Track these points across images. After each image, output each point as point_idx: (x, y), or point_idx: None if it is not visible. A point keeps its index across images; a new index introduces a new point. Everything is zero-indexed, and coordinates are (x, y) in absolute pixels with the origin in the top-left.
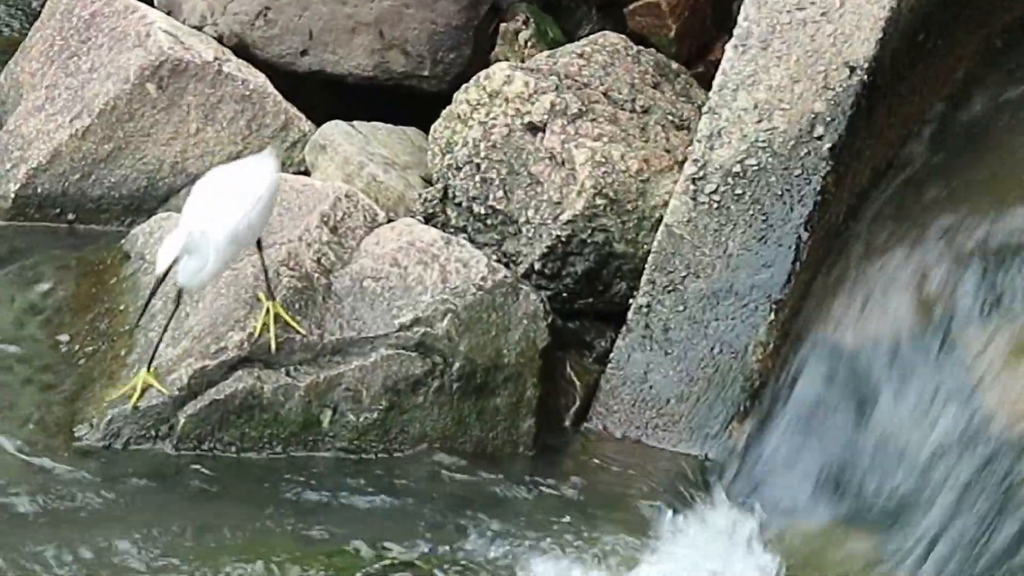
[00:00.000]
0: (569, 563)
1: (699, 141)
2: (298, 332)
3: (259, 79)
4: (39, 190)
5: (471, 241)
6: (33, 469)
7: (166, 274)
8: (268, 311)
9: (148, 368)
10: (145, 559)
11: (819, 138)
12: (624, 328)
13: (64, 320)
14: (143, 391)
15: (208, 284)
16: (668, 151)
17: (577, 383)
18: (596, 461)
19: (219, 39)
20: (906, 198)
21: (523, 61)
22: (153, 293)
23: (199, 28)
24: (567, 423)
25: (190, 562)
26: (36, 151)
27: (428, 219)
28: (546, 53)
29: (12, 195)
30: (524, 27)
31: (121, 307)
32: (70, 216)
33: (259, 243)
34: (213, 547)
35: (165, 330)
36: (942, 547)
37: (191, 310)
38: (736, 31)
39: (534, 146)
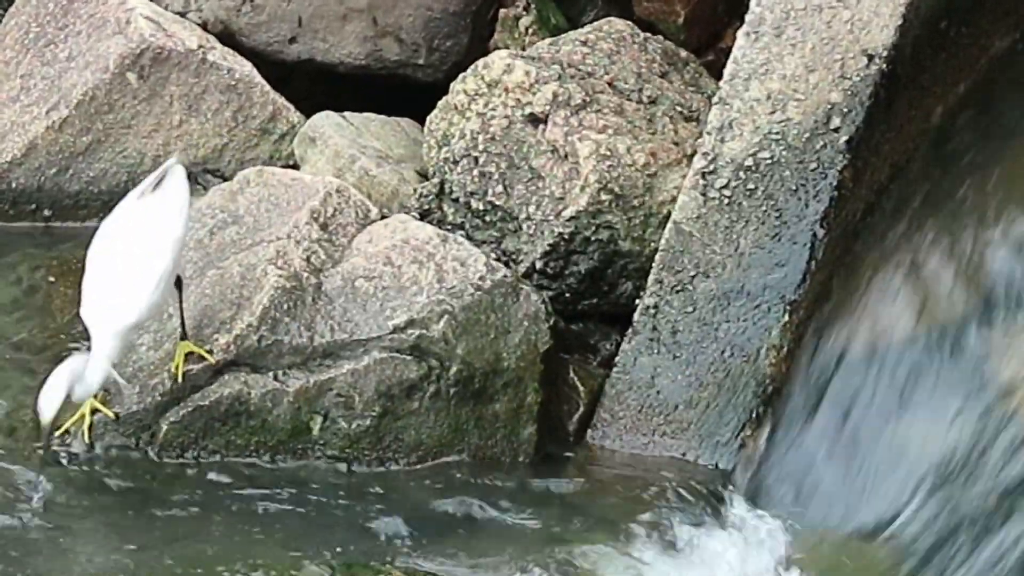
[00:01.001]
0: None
1: (709, 133)
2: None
3: (245, 68)
4: (13, 185)
5: (469, 239)
6: (8, 476)
7: (54, 423)
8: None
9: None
10: (121, 570)
11: (836, 130)
12: (630, 330)
13: (40, 322)
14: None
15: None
16: (676, 144)
17: (581, 388)
18: (600, 470)
19: (203, 26)
20: (927, 194)
21: (524, 49)
22: (47, 441)
23: (182, 14)
24: (570, 430)
25: (163, 572)
26: (10, 144)
27: (423, 215)
28: (548, 40)
29: None
30: (525, 13)
31: None
32: (46, 212)
33: (178, 280)
34: (195, 559)
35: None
36: (963, 555)
37: (172, 311)
38: (748, 17)
39: (535, 139)
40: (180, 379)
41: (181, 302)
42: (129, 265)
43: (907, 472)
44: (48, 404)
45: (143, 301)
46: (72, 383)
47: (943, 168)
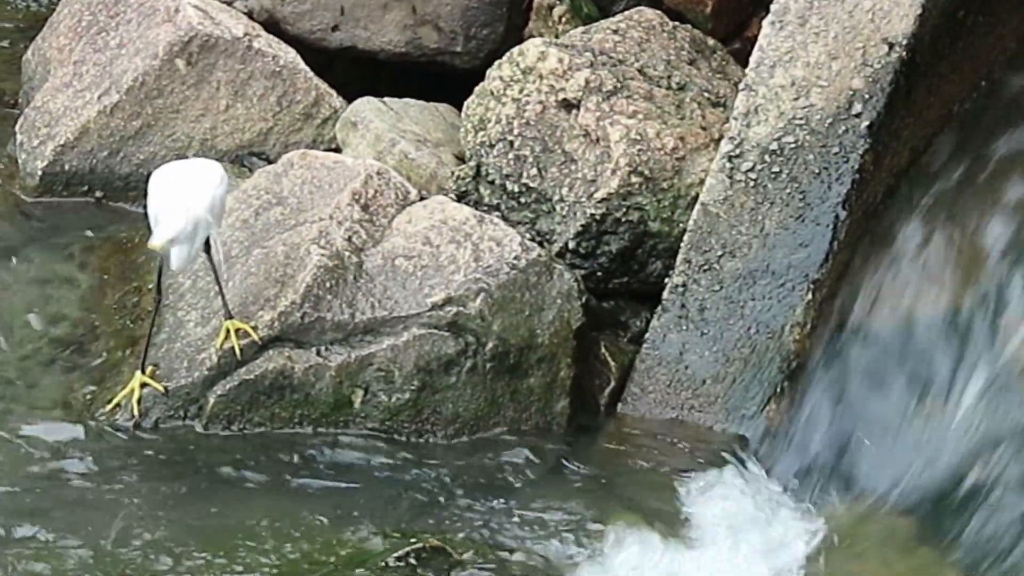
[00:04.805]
0: (603, 546)
1: (735, 119)
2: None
3: (290, 55)
4: (67, 167)
5: (504, 219)
6: (60, 449)
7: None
8: (227, 329)
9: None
10: (171, 539)
11: (857, 116)
12: (659, 308)
13: (91, 299)
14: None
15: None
16: (704, 128)
17: (611, 363)
18: (631, 442)
19: (249, 14)
20: (947, 178)
21: (557, 37)
22: (161, 272)
23: (229, 3)
24: (602, 404)
25: (217, 543)
26: (64, 128)
27: (461, 197)
28: (581, 29)
29: (39, 172)
30: (558, 2)
31: (149, 285)
32: (98, 193)
33: (210, 249)
34: (241, 528)
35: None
36: (986, 530)
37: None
38: (773, 7)
39: (568, 123)
40: (239, 354)
41: (219, 280)
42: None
43: (930, 446)
44: (158, 234)
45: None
46: (181, 238)
47: (962, 152)
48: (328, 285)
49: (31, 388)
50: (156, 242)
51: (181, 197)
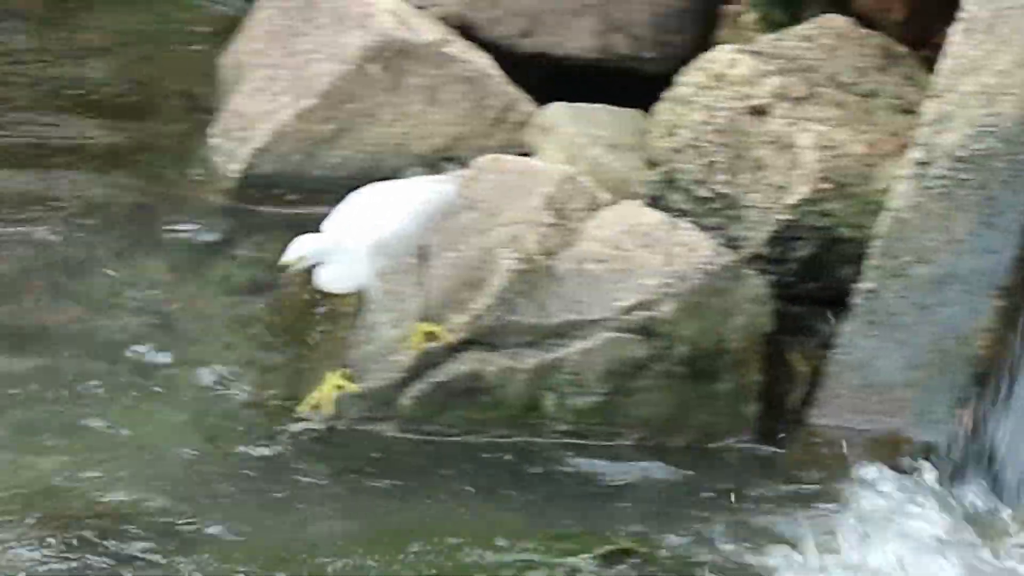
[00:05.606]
0: (794, 552)
1: (925, 126)
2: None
3: (482, 60)
4: (262, 170)
5: (695, 225)
6: (257, 450)
7: (286, 269)
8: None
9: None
10: (362, 540)
11: None
12: (849, 313)
13: (285, 301)
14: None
15: (355, 289)
16: (893, 135)
17: (801, 369)
18: (821, 448)
19: (442, 20)
20: None
21: (747, 44)
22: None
23: (422, 9)
24: (790, 409)
25: (408, 543)
26: (259, 132)
27: (651, 202)
28: (771, 36)
29: (235, 175)
30: (748, 9)
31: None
32: (292, 197)
33: (422, 254)
34: (432, 528)
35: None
36: None
37: (413, 292)
38: (962, 16)
39: (758, 129)
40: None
41: (424, 278)
42: (387, 200)
43: None
44: (289, 251)
45: (397, 223)
46: (319, 257)
47: None
48: (520, 289)
49: (227, 390)
50: (285, 259)
51: (353, 225)
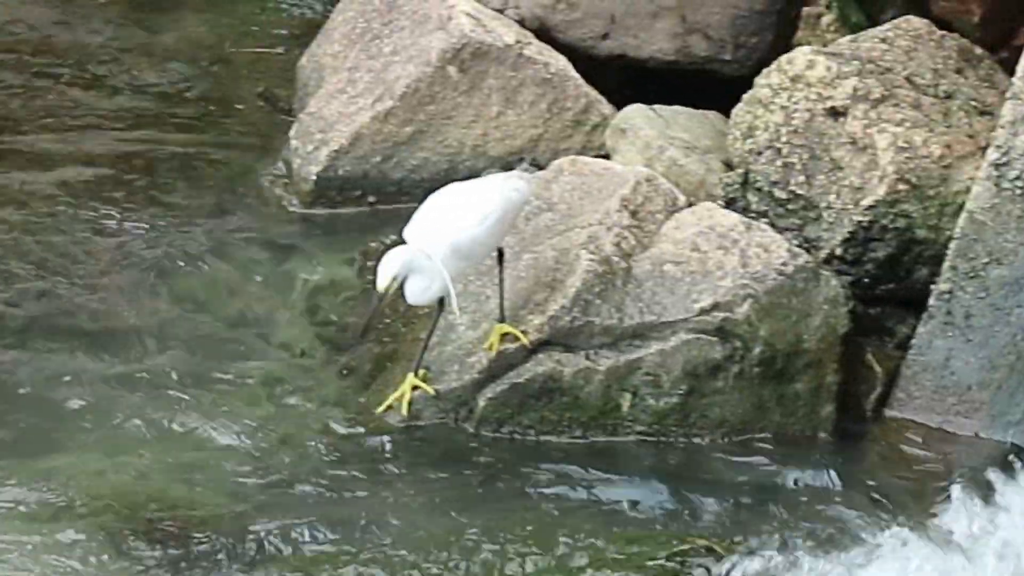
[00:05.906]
0: (871, 553)
1: (1003, 127)
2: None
3: (560, 62)
4: (341, 172)
5: (772, 226)
6: (335, 449)
7: (387, 292)
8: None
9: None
10: (440, 540)
11: None
12: (925, 314)
13: (364, 302)
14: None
15: (439, 296)
16: (971, 137)
17: (877, 369)
18: (897, 448)
19: (520, 22)
20: None
21: (825, 45)
22: (375, 311)
23: (501, 11)
24: (867, 409)
25: (486, 544)
26: (338, 134)
27: (729, 203)
28: (849, 37)
29: (314, 177)
30: (827, 11)
31: None
32: (371, 198)
33: (500, 256)
34: (509, 528)
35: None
36: None
37: (491, 292)
38: None
39: (836, 131)
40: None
41: (502, 280)
42: (461, 203)
43: None
44: (382, 275)
45: (473, 227)
46: (409, 272)
47: None
48: (597, 290)
49: (307, 391)
50: (381, 284)
51: (432, 229)
